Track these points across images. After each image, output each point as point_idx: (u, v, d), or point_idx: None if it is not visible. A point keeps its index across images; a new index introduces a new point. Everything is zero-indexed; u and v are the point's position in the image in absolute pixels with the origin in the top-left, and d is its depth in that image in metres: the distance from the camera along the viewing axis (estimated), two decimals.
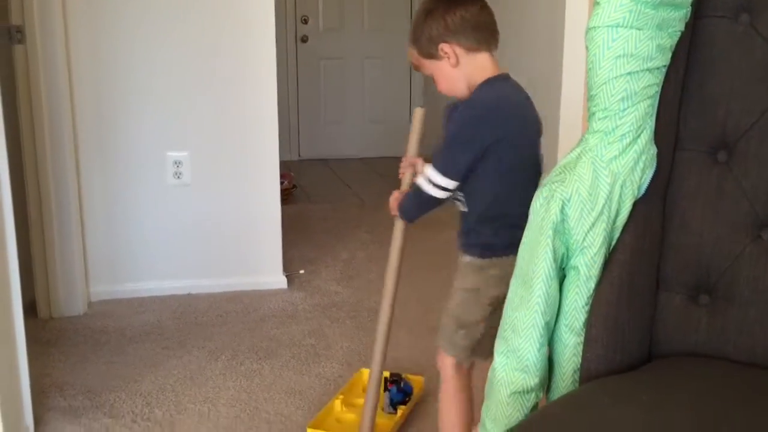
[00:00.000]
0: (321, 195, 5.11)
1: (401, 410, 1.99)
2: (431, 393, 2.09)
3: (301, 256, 3.43)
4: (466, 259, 1.64)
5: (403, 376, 2.10)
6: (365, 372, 2.03)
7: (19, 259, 1.88)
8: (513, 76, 1.60)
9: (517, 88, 1.60)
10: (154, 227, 2.96)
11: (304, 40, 6.32)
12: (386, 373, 1.99)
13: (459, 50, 1.54)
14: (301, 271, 3.27)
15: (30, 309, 2.41)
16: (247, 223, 3.05)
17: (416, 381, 2.14)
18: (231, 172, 3.00)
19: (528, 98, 1.61)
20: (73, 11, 2.72)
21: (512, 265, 1.30)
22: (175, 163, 2.91)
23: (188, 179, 2.95)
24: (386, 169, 5.96)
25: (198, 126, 2.95)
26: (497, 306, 1.45)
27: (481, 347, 1.60)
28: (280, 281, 3.10)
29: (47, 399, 2.09)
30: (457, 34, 1.53)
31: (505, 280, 1.33)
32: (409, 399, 2.05)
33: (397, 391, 2.03)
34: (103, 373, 2.28)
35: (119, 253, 2.95)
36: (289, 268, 3.19)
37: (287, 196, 4.43)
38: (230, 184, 3.01)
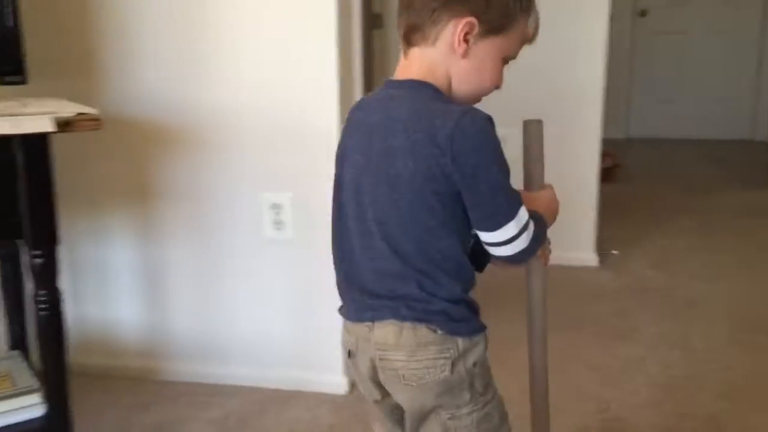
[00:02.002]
0: (645, 176, 4.98)
1: None
2: None
3: (615, 237, 3.43)
4: (447, 339, 1.02)
5: None
6: None
7: None
8: None
9: (381, 99, 1.04)
10: None
11: (643, 14, 6.12)
12: None
13: None
14: (615, 252, 3.28)
15: None
16: (563, 199, 3.11)
17: None
18: (552, 146, 3.11)
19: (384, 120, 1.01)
20: None
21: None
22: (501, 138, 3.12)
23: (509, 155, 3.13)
24: (724, 154, 5.56)
25: (525, 104, 3.10)
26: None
27: None
28: (591, 259, 3.16)
29: None
30: None
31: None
32: None
33: None
34: None
35: None
36: (602, 247, 3.23)
37: (609, 175, 4.41)
38: (550, 158, 3.12)
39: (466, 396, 1.04)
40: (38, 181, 1.38)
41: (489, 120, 0.97)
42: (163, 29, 1.98)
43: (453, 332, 1.00)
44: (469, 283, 1.04)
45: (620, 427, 1.90)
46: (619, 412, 1.96)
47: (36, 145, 1.36)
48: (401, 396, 1.06)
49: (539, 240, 1.05)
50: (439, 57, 1.00)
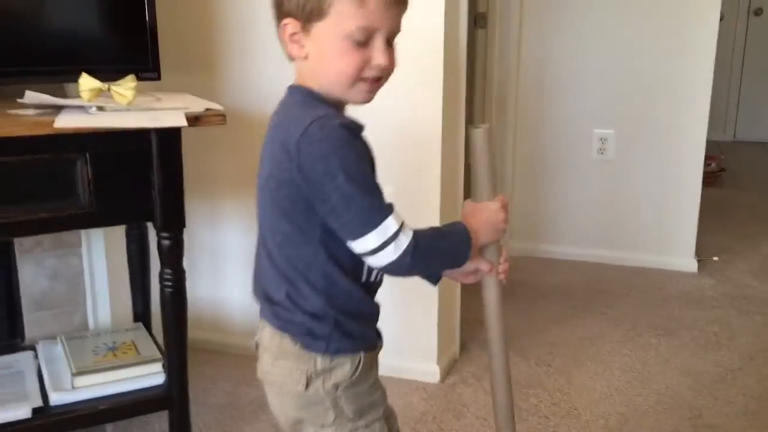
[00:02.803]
0: (752, 181, 4.80)
1: None
2: None
3: (716, 243, 3.35)
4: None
5: None
6: None
7: None
8: None
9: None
10: (574, 197, 3.21)
11: (758, 13, 5.87)
12: None
13: None
14: (715, 258, 3.21)
15: None
16: (664, 202, 3.10)
17: None
18: (653, 150, 3.08)
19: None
20: (529, 1, 3.07)
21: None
22: (601, 139, 3.11)
23: (611, 155, 3.12)
24: None
25: (626, 104, 3.08)
26: None
27: None
28: (689, 264, 3.10)
29: (471, 331, 2.50)
30: None
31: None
32: None
33: None
34: (516, 319, 2.63)
35: (540, 215, 3.28)
36: (701, 253, 3.17)
37: (713, 179, 4.29)
38: (651, 162, 3.09)
39: (330, 416, 1.02)
40: (170, 170, 1.52)
41: (343, 126, 0.92)
42: None
43: (309, 348, 0.99)
44: (340, 300, 1.00)
45: None
46: (712, 419, 1.95)
47: (169, 137, 1.50)
48: (270, 400, 1.07)
49: (429, 255, 0.98)
50: (298, 66, 1.00)
